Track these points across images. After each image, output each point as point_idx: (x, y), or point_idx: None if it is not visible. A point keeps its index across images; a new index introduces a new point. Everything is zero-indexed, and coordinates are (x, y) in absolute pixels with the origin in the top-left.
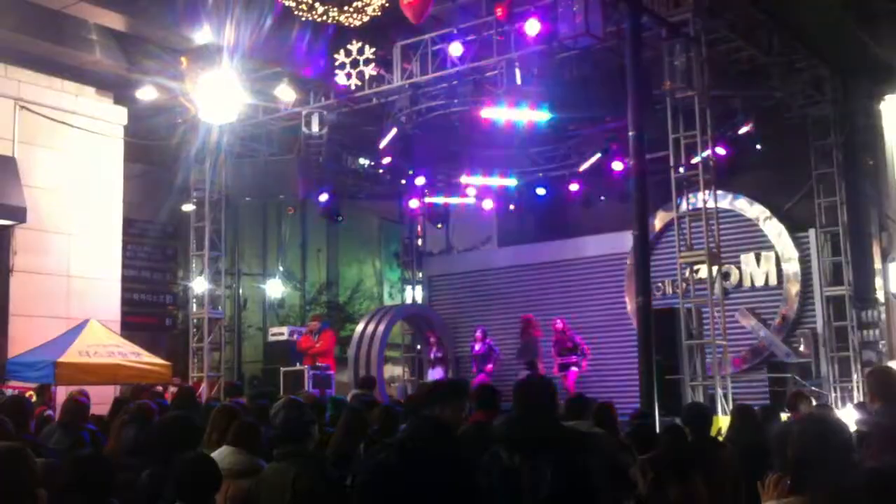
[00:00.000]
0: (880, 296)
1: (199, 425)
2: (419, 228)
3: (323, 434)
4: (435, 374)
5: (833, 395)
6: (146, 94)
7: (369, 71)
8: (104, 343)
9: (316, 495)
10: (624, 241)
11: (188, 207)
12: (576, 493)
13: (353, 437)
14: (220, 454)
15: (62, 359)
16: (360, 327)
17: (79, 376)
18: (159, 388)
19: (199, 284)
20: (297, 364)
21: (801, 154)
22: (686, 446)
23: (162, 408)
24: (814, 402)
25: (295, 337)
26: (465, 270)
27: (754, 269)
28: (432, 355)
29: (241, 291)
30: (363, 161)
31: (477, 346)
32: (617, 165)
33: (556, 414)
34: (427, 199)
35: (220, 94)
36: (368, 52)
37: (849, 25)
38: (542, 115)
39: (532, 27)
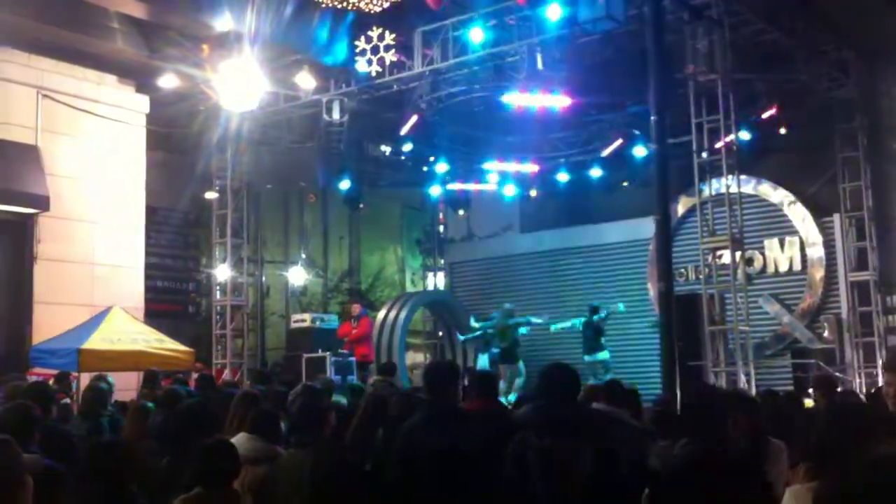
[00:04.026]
0: None
1: (218, 412)
2: (441, 215)
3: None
4: None
5: (857, 380)
6: (167, 81)
7: (390, 57)
8: (127, 330)
9: (334, 482)
10: (646, 226)
11: (210, 195)
12: (610, 471)
13: (373, 424)
14: (238, 441)
15: (85, 346)
16: (381, 314)
17: (102, 363)
18: (179, 376)
19: (222, 272)
20: (319, 351)
21: (825, 138)
22: None
23: (188, 394)
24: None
25: (317, 324)
26: (486, 257)
27: (778, 255)
28: None
29: (263, 279)
30: (384, 148)
31: None
32: (639, 150)
33: (579, 399)
34: (448, 186)
35: (241, 81)
36: (389, 38)
37: (874, 8)
38: (562, 101)
39: (553, 12)
